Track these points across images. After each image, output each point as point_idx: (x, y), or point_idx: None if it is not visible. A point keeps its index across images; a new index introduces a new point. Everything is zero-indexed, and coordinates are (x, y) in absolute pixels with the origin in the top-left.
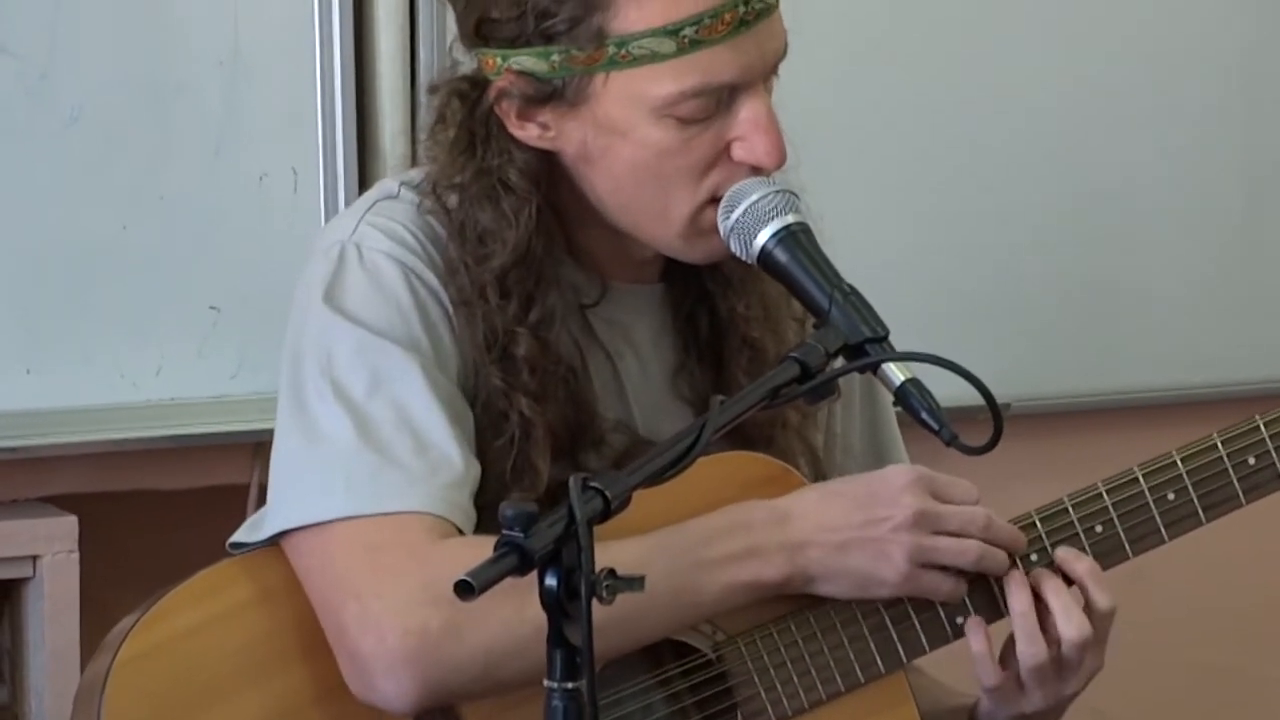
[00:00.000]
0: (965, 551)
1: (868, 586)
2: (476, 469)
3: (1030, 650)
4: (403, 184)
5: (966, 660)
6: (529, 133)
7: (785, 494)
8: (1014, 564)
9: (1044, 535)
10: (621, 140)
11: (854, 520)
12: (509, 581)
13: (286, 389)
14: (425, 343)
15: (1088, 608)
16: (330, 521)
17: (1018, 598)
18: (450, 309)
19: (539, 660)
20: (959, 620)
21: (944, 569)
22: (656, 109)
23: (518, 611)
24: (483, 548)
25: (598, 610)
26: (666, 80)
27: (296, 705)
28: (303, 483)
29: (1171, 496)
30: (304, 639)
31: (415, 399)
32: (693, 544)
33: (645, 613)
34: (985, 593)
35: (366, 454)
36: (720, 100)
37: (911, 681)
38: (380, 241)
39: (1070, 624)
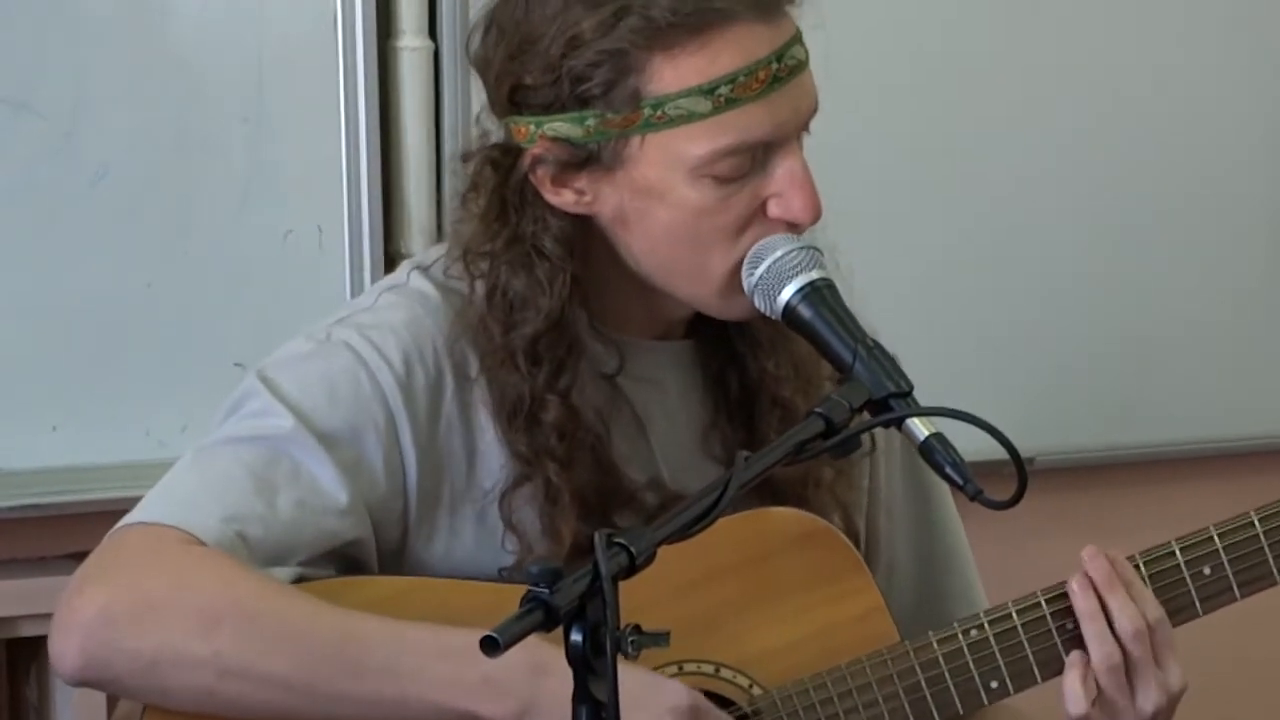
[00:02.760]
0: None
1: None
2: (315, 534)
3: (1102, 651)
4: (414, 268)
5: None
6: (565, 198)
7: (823, 551)
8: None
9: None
10: (659, 202)
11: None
12: (204, 604)
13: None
14: (333, 431)
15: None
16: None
17: (1079, 602)
18: (400, 415)
19: (209, 689)
20: (993, 685)
21: None
22: (693, 169)
23: (204, 635)
24: (222, 567)
25: (289, 665)
26: (703, 140)
27: None
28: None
29: (1208, 571)
30: None
31: (283, 478)
32: (437, 654)
33: (335, 692)
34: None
35: (183, 471)
36: (755, 158)
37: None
38: (352, 335)
39: (1123, 616)
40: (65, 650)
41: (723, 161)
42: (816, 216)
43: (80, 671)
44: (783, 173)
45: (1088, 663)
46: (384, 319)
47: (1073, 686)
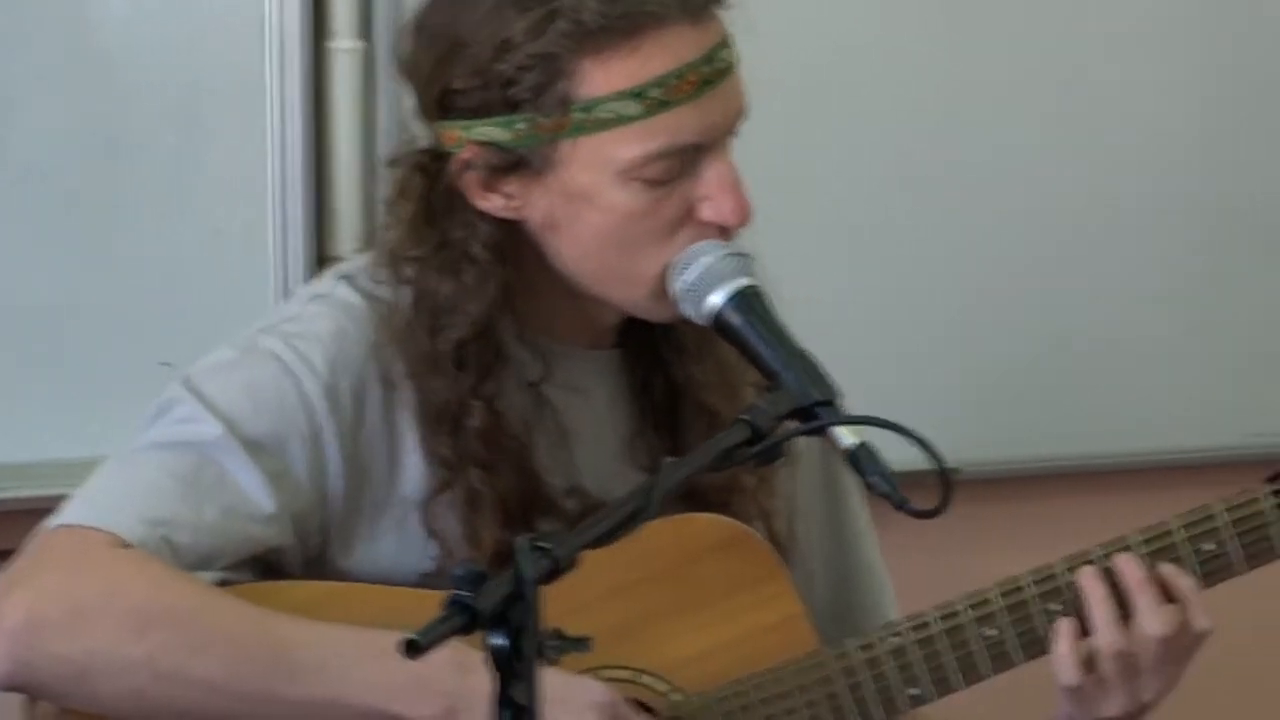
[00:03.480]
0: None
1: None
2: (234, 538)
3: (1109, 638)
4: (339, 278)
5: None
6: (493, 203)
7: (745, 558)
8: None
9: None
10: (588, 205)
11: None
12: (134, 607)
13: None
14: (273, 446)
15: (1185, 625)
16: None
17: (1094, 586)
18: (324, 425)
19: (140, 692)
20: (912, 691)
21: None
22: (623, 172)
23: (136, 638)
24: (150, 570)
25: (223, 669)
26: (633, 143)
27: None
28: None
29: None
30: None
31: (202, 475)
32: (364, 654)
33: (269, 694)
34: (1028, 634)
35: (110, 469)
36: (685, 161)
37: None
38: (278, 343)
39: (1155, 619)
40: None
41: (653, 165)
42: (746, 219)
43: (8, 678)
44: (712, 176)
45: (1076, 633)
46: (309, 328)
47: (1064, 658)
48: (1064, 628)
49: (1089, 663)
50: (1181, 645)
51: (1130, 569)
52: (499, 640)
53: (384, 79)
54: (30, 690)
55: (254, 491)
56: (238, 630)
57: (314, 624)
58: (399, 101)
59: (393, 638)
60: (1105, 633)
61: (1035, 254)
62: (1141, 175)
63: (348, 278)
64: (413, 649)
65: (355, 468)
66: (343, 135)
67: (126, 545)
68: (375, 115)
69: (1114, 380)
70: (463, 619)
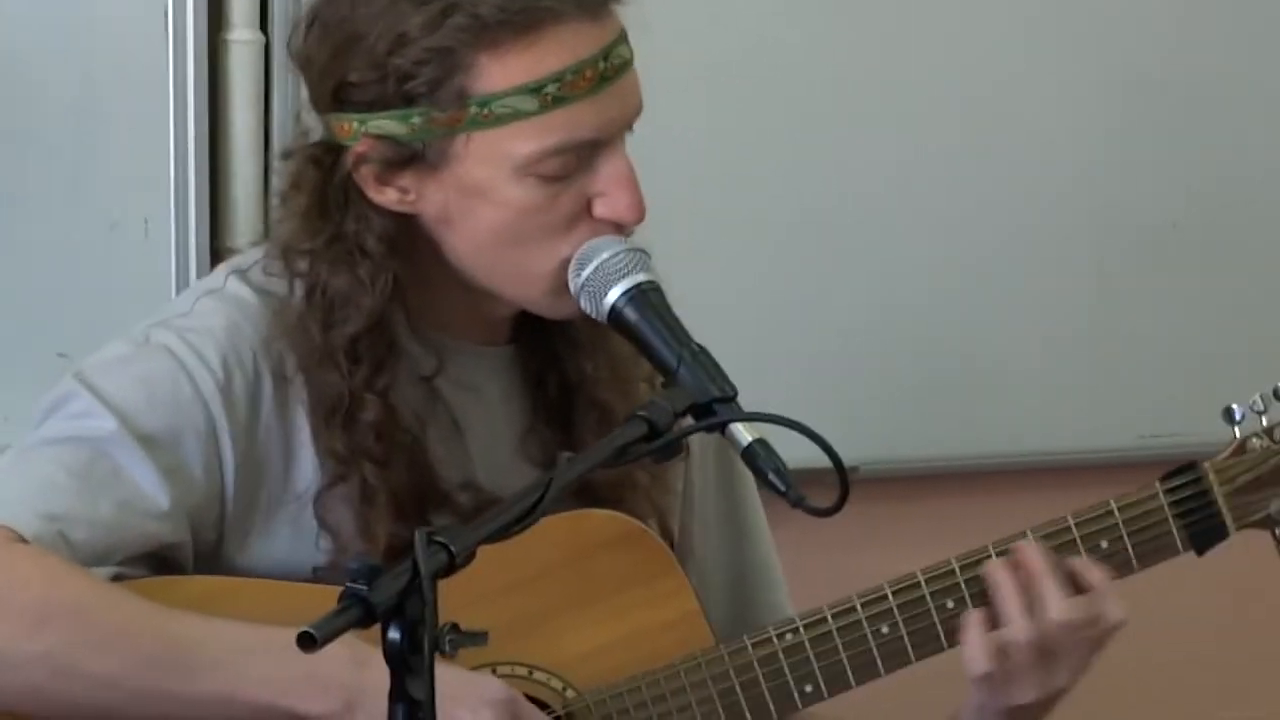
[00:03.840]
0: None
1: None
2: (131, 533)
3: (1016, 626)
4: (233, 273)
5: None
6: (388, 197)
7: (640, 554)
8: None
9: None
10: (483, 200)
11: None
12: (31, 602)
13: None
14: (167, 442)
15: (1098, 616)
16: None
17: (1002, 577)
18: (219, 419)
19: (36, 688)
20: (807, 689)
21: None
22: (519, 168)
23: (32, 634)
24: (48, 565)
25: (120, 666)
26: (529, 138)
27: None
28: None
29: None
30: None
31: (96, 468)
32: (260, 648)
33: (162, 691)
34: (922, 631)
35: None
36: (581, 157)
37: None
38: (171, 338)
39: (1061, 606)
40: None
41: (549, 160)
42: (641, 216)
43: None
44: (608, 172)
45: (985, 624)
46: (202, 323)
47: (973, 647)
48: (973, 618)
49: (999, 653)
50: (1093, 635)
51: (1033, 558)
52: (395, 634)
53: (280, 71)
54: None
55: (149, 486)
56: (134, 626)
57: (210, 620)
58: (296, 94)
59: (288, 634)
60: (1017, 622)
61: (931, 257)
62: (1034, 181)
63: (240, 272)
64: (308, 642)
65: (250, 462)
66: (239, 127)
67: (22, 540)
68: (271, 107)
69: (1010, 381)
70: (358, 612)
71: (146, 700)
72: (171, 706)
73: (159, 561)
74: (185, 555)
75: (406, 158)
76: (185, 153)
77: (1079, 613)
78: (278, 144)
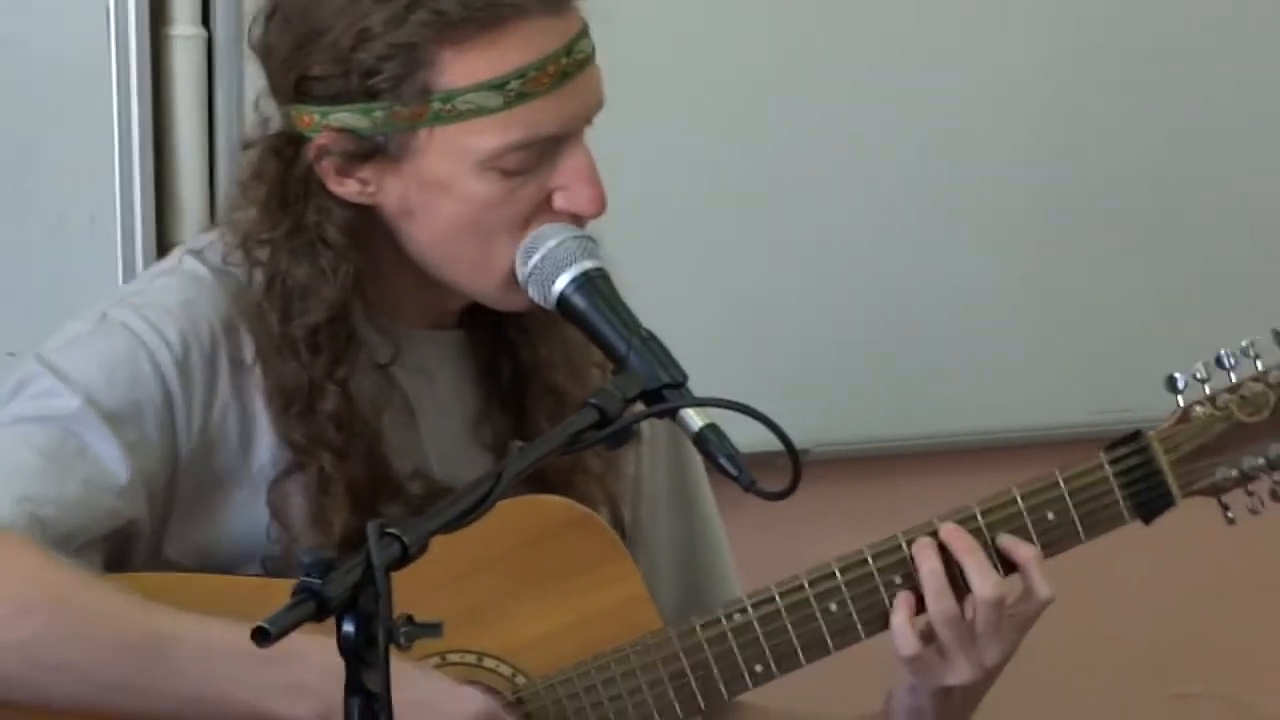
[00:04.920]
0: None
1: None
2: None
3: (940, 606)
4: (187, 252)
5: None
6: (348, 189)
7: (588, 539)
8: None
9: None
10: (443, 194)
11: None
12: (11, 592)
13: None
14: (128, 419)
15: (1028, 593)
16: None
17: (925, 557)
18: (177, 394)
19: (8, 678)
20: (757, 668)
21: None
22: (481, 162)
23: (11, 621)
24: (26, 554)
25: (103, 662)
26: (492, 134)
27: None
28: None
29: None
30: None
31: (64, 447)
32: (236, 648)
33: (146, 688)
34: (871, 608)
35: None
36: (543, 152)
37: (743, 717)
38: (129, 315)
39: (985, 583)
40: None
41: (511, 155)
42: (602, 209)
43: None
44: (569, 166)
45: (914, 605)
46: (159, 300)
47: (901, 628)
48: (901, 600)
49: (926, 633)
50: (1023, 613)
51: (956, 537)
52: (349, 627)
53: (224, 65)
54: None
55: (112, 463)
56: (117, 620)
57: (195, 617)
58: (239, 88)
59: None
60: (935, 601)
61: (881, 236)
62: (980, 159)
63: (195, 252)
64: (262, 637)
65: (206, 441)
66: (183, 122)
67: None
68: (215, 102)
69: (959, 361)
70: (312, 606)
71: (123, 696)
72: (148, 703)
73: (115, 542)
74: (141, 534)
75: (368, 151)
76: (130, 148)
77: (1000, 589)
78: (222, 138)
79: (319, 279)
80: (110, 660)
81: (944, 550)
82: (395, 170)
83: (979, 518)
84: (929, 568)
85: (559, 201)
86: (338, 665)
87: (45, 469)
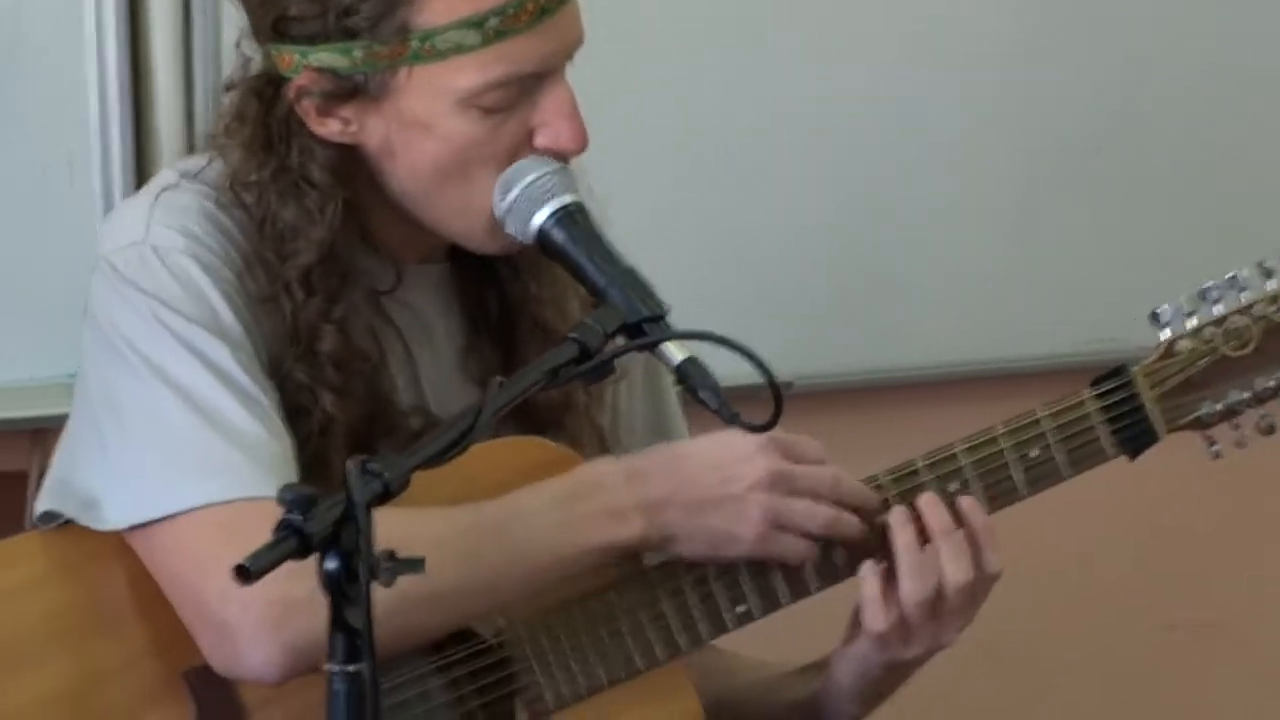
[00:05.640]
0: (816, 515)
1: (723, 546)
2: (292, 448)
3: (914, 586)
4: (183, 175)
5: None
6: (330, 128)
7: None
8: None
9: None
10: (425, 133)
11: (709, 480)
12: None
13: (99, 386)
14: (238, 333)
15: (978, 567)
16: (184, 511)
17: (903, 532)
18: (247, 302)
19: (407, 626)
20: (739, 609)
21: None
22: (461, 101)
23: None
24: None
25: (456, 576)
26: (471, 72)
27: (95, 676)
28: (146, 470)
29: (953, 488)
30: (103, 612)
31: (240, 384)
32: (549, 506)
33: (502, 577)
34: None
35: (207, 439)
36: (523, 89)
37: (712, 661)
38: (176, 240)
39: (959, 569)
40: (267, 658)
41: (491, 93)
42: (583, 145)
43: (289, 670)
44: (550, 103)
45: (884, 576)
46: (190, 227)
47: (873, 602)
48: (872, 572)
49: (896, 610)
50: (979, 590)
51: (935, 515)
52: (332, 564)
53: (201, 6)
54: (314, 668)
55: (248, 371)
56: (445, 534)
57: (493, 502)
58: (216, 29)
59: (559, 484)
60: (910, 581)
61: (864, 169)
62: (966, 90)
63: (187, 174)
64: (243, 574)
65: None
66: (160, 65)
67: (267, 500)
68: (192, 43)
69: (943, 291)
70: (294, 543)
71: (489, 595)
72: (503, 589)
73: None
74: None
75: (348, 90)
76: (108, 90)
77: (974, 574)
78: (199, 80)
79: (306, 220)
80: (467, 571)
81: (917, 522)
82: (376, 109)
83: (960, 456)
84: (904, 543)
85: (540, 139)
86: (632, 471)
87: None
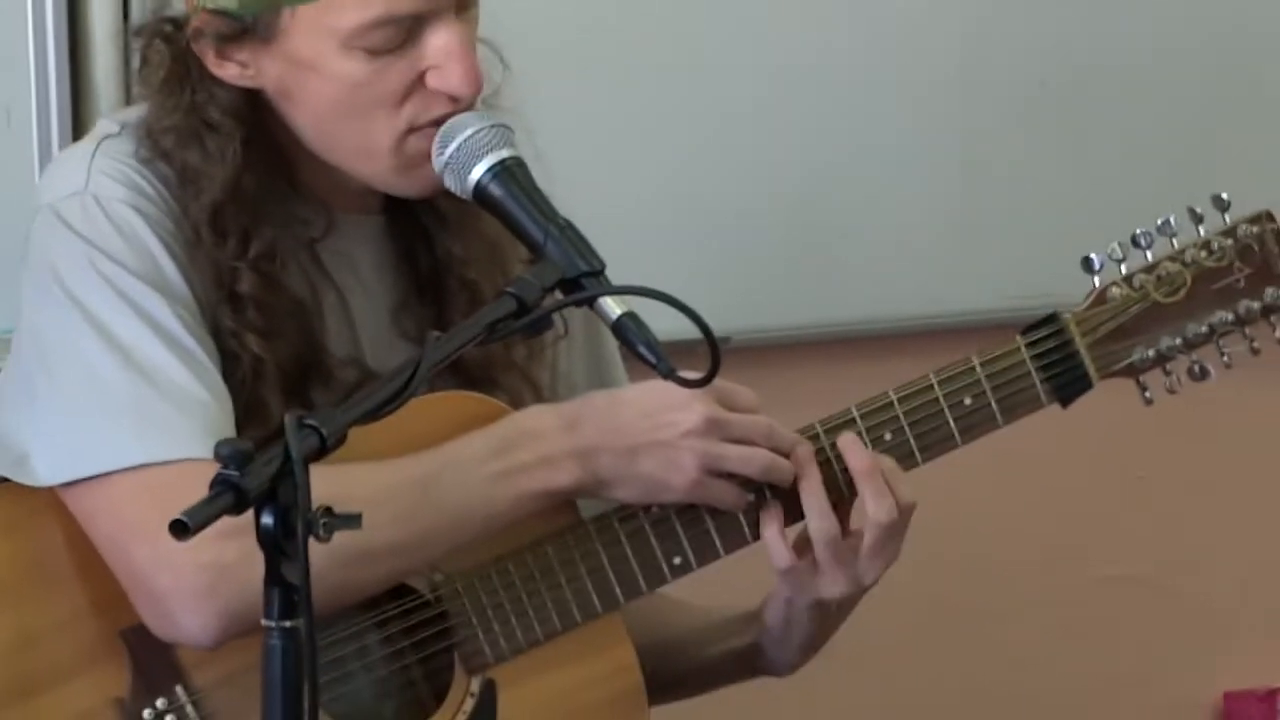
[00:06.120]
0: (752, 460)
1: (657, 492)
2: (232, 407)
3: (819, 525)
4: (123, 125)
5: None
6: (228, 71)
7: None
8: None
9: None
10: (314, 75)
11: (643, 426)
12: None
13: (34, 337)
14: (180, 287)
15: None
16: (118, 470)
17: (808, 470)
18: (183, 249)
19: (343, 583)
20: (675, 560)
21: (731, 477)
22: (343, 41)
23: None
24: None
25: (392, 531)
26: (350, 11)
27: (32, 634)
28: (79, 426)
29: (888, 437)
30: (42, 569)
31: (182, 342)
32: (482, 456)
33: (438, 530)
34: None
35: (144, 396)
36: (410, 30)
37: (654, 610)
38: (117, 190)
39: (881, 507)
40: (203, 624)
41: (373, 33)
42: (477, 88)
43: (224, 633)
44: (438, 45)
45: (782, 517)
46: (130, 177)
47: (774, 540)
48: (771, 511)
49: (801, 547)
50: (900, 526)
51: (856, 456)
52: (268, 519)
53: None
54: (249, 631)
55: (189, 330)
56: (382, 488)
57: (427, 453)
58: None
59: (492, 433)
60: (815, 519)
61: (796, 122)
62: (900, 41)
63: (127, 124)
64: (180, 530)
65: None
66: (98, 12)
67: (203, 461)
68: None
69: (878, 246)
70: (230, 498)
71: (426, 549)
72: (436, 543)
73: None
74: None
75: (239, 31)
76: (45, 39)
77: (894, 512)
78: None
79: (209, 161)
80: (403, 522)
81: (832, 464)
82: (267, 51)
83: (896, 405)
84: (812, 485)
85: (431, 80)
86: (567, 420)
87: (185, 377)
